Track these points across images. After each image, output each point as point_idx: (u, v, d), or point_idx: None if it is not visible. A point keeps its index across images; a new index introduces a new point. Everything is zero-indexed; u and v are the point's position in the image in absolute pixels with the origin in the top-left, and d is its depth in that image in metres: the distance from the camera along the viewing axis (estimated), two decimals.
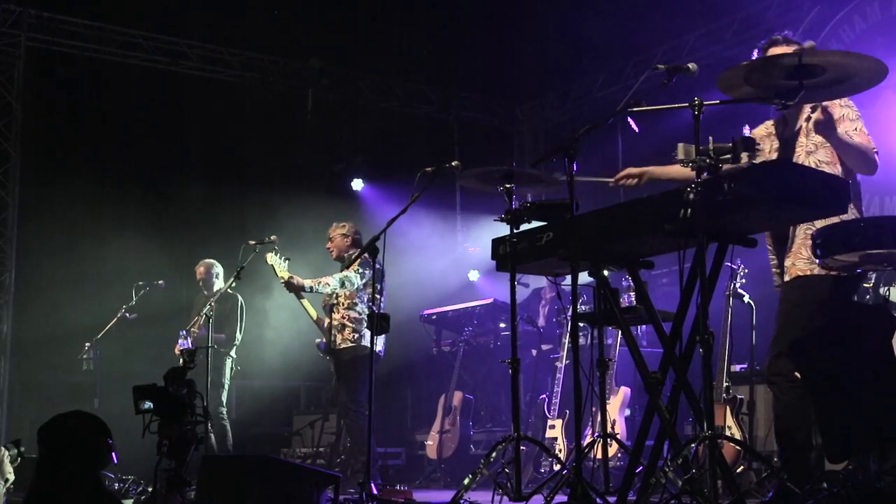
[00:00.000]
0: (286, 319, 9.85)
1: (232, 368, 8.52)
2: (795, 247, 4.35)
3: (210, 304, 7.57)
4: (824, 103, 4.27)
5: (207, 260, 8.76)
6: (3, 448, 6.02)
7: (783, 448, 4.34)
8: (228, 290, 8.06)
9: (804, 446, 4.25)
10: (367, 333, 6.77)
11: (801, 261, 4.32)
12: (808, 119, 4.42)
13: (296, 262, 7.36)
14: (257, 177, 11.28)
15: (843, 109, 4.30)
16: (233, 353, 8.51)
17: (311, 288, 7.08)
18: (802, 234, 4.34)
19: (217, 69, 10.97)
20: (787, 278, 4.31)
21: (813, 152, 4.36)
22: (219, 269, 8.70)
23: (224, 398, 8.39)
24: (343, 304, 7.24)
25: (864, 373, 3.62)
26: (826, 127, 4.19)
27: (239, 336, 8.52)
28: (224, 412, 8.36)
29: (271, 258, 7.16)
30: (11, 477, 5.88)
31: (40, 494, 3.58)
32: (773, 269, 4.53)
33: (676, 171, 4.66)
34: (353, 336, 7.18)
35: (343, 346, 7.20)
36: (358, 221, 7.78)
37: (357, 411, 7.10)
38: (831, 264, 4.08)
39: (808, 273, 4.28)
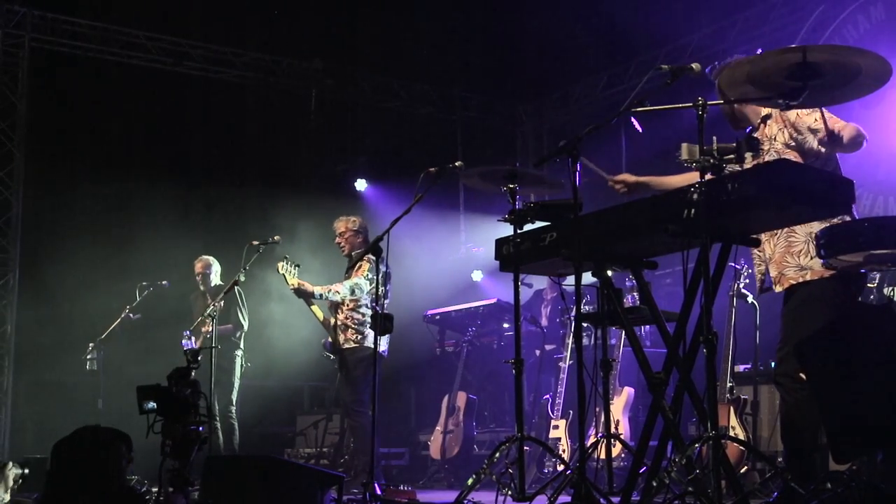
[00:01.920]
0: (291, 312, 9.79)
1: (242, 366, 8.52)
2: (778, 256, 4.31)
3: (214, 305, 7.58)
4: (790, 113, 4.23)
5: (205, 256, 8.78)
6: (10, 464, 5.99)
7: (789, 448, 4.33)
8: (223, 283, 8.05)
9: (810, 447, 4.24)
10: (371, 334, 6.77)
11: (789, 269, 4.28)
12: (766, 119, 4.38)
13: (300, 262, 7.36)
14: (260, 177, 11.28)
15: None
16: (241, 344, 8.51)
17: (322, 295, 7.15)
18: (784, 243, 4.30)
19: (220, 69, 10.97)
20: (778, 289, 4.30)
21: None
22: (217, 266, 8.72)
23: (234, 397, 8.40)
24: (347, 305, 7.28)
25: (869, 373, 3.61)
26: (834, 140, 4.12)
27: (244, 323, 8.53)
28: (234, 411, 8.37)
29: (282, 267, 7.20)
30: (7, 497, 5.84)
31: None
32: (758, 276, 4.50)
33: (673, 181, 4.65)
34: (357, 337, 7.22)
35: (347, 345, 7.24)
36: None
37: (360, 412, 7.11)
38: (835, 264, 4.06)
39: (801, 280, 4.26)
